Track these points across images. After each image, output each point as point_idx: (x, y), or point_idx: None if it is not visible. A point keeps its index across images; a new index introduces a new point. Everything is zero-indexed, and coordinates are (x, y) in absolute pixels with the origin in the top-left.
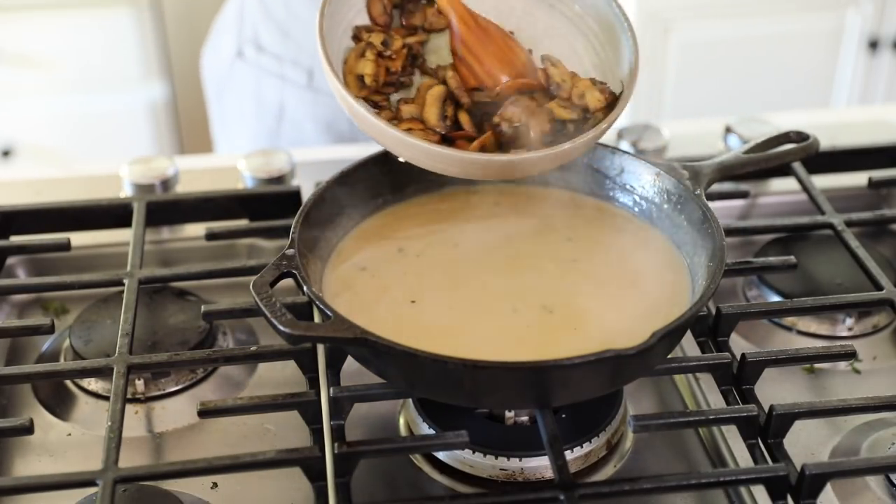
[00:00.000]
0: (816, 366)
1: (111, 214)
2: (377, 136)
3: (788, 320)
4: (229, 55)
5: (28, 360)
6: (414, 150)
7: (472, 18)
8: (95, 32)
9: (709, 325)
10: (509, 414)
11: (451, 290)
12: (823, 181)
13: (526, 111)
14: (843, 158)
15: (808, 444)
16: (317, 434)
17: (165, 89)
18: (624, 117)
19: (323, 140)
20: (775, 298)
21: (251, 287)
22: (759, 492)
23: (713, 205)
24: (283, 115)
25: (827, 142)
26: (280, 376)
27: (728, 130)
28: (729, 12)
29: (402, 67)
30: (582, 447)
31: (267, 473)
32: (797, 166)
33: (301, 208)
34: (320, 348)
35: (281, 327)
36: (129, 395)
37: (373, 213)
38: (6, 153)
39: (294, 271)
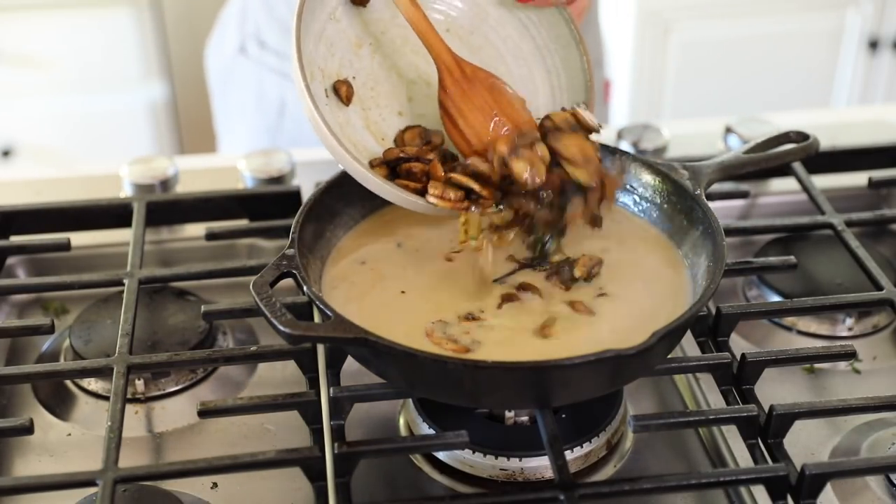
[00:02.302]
0: (816, 366)
1: (111, 214)
2: (330, 149)
3: (788, 320)
4: (232, 50)
5: (28, 360)
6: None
7: (458, 69)
8: (95, 32)
9: (709, 325)
10: (509, 414)
11: (445, 282)
12: (823, 181)
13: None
14: (843, 158)
15: (808, 444)
16: (317, 434)
17: (165, 89)
18: (624, 117)
19: None
20: (775, 298)
21: (251, 287)
22: (759, 492)
23: (713, 205)
24: (284, 110)
25: (827, 142)
26: (280, 376)
27: (728, 130)
28: (729, 12)
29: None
30: (582, 447)
31: (267, 473)
32: (797, 166)
33: (301, 208)
34: (320, 348)
35: (281, 327)
36: (129, 395)
37: (372, 213)
38: (6, 153)
39: (294, 271)
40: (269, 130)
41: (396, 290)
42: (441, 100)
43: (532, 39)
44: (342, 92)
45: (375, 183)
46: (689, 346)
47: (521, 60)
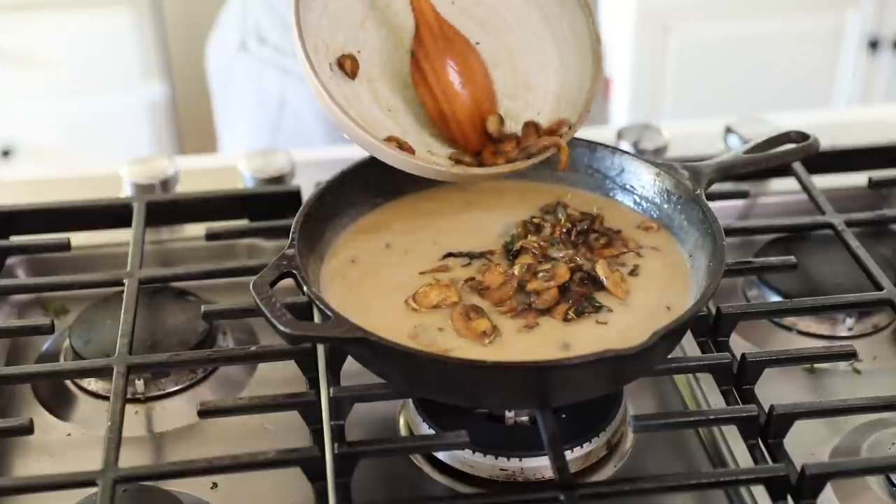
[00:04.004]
0: (816, 366)
1: (111, 214)
2: (337, 123)
3: (788, 320)
4: (233, 46)
5: (28, 360)
6: (368, 146)
7: (438, 25)
8: (95, 32)
9: (709, 325)
10: (509, 414)
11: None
12: (823, 181)
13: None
14: (843, 158)
15: (808, 444)
16: (317, 434)
17: (165, 89)
18: (624, 117)
19: (322, 131)
20: (775, 298)
21: (251, 287)
22: (759, 492)
23: (713, 205)
24: (284, 106)
25: (827, 142)
26: (280, 376)
27: (728, 130)
28: (729, 12)
29: None
30: (582, 447)
31: (267, 473)
32: (797, 166)
33: (301, 208)
34: (320, 348)
35: (281, 327)
36: (129, 395)
37: (370, 211)
38: (6, 153)
39: (294, 271)
40: (270, 126)
41: (390, 286)
42: (414, 52)
43: (538, 7)
44: (347, 66)
45: (379, 148)
46: (689, 346)
47: (529, 28)
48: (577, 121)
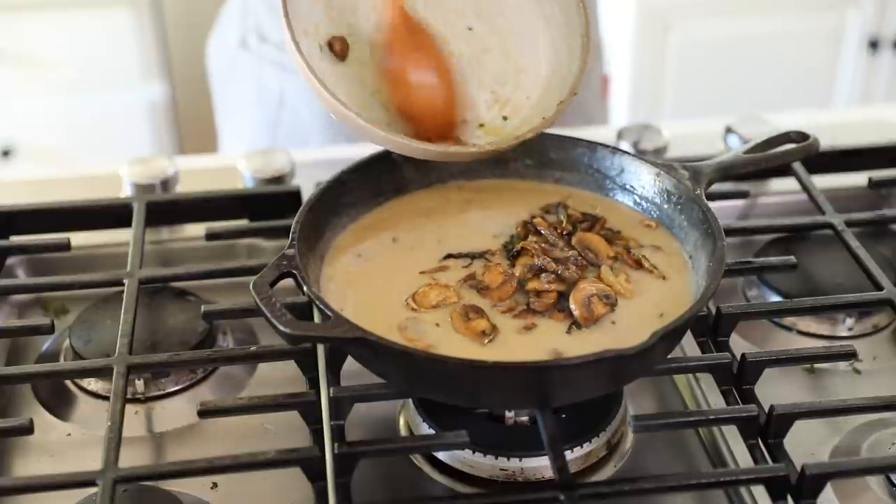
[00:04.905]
0: (816, 366)
1: (111, 214)
2: (329, 107)
3: (788, 320)
4: (233, 44)
5: (28, 360)
6: (351, 124)
7: (405, 20)
8: (95, 32)
9: (709, 325)
10: (509, 414)
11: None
12: (823, 181)
13: None
14: (843, 158)
15: (808, 444)
16: (317, 434)
17: (165, 89)
18: (624, 117)
19: (320, 128)
20: (775, 298)
21: (251, 287)
22: (760, 492)
23: (713, 205)
24: (284, 103)
25: (827, 142)
26: (280, 376)
27: (728, 130)
28: (729, 12)
29: None
30: (582, 447)
31: (267, 473)
32: (797, 166)
33: (301, 208)
34: (320, 348)
35: (281, 327)
36: (129, 395)
37: (370, 210)
38: (6, 153)
39: (294, 271)
40: (269, 123)
41: (388, 282)
42: (385, 45)
43: None
44: (336, 48)
45: (365, 127)
46: (689, 346)
47: (521, 12)
48: (561, 104)
